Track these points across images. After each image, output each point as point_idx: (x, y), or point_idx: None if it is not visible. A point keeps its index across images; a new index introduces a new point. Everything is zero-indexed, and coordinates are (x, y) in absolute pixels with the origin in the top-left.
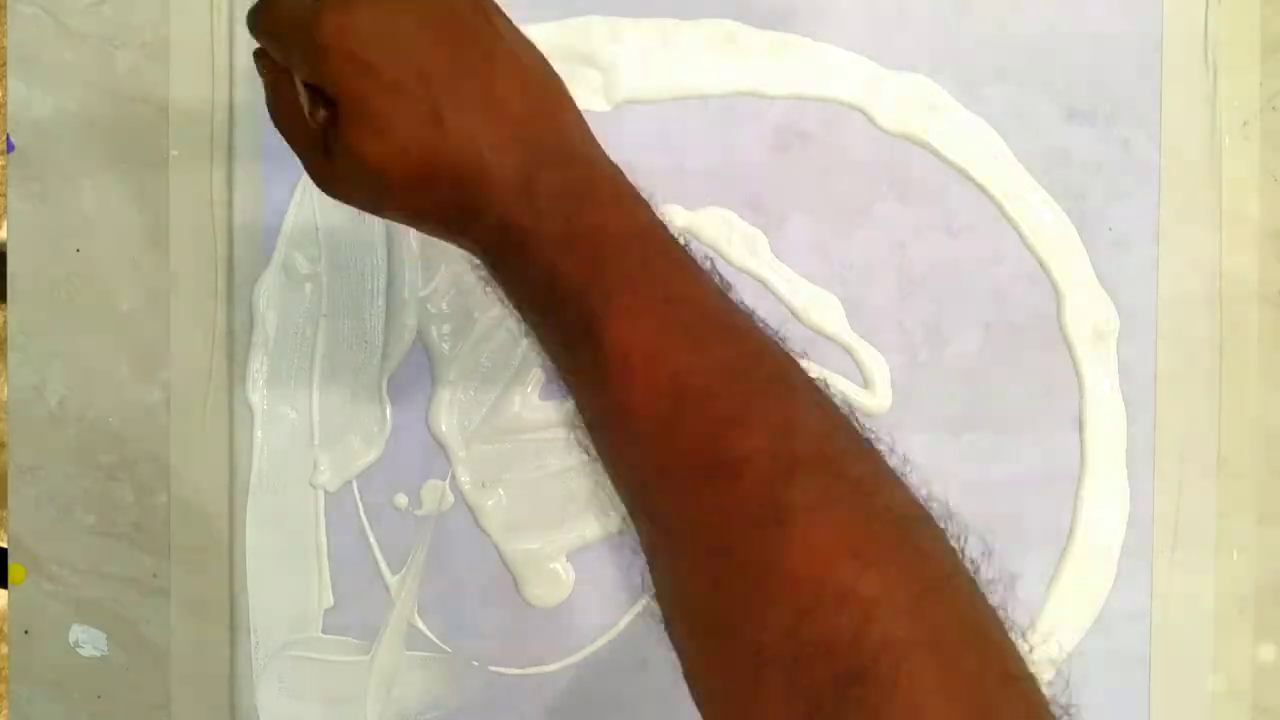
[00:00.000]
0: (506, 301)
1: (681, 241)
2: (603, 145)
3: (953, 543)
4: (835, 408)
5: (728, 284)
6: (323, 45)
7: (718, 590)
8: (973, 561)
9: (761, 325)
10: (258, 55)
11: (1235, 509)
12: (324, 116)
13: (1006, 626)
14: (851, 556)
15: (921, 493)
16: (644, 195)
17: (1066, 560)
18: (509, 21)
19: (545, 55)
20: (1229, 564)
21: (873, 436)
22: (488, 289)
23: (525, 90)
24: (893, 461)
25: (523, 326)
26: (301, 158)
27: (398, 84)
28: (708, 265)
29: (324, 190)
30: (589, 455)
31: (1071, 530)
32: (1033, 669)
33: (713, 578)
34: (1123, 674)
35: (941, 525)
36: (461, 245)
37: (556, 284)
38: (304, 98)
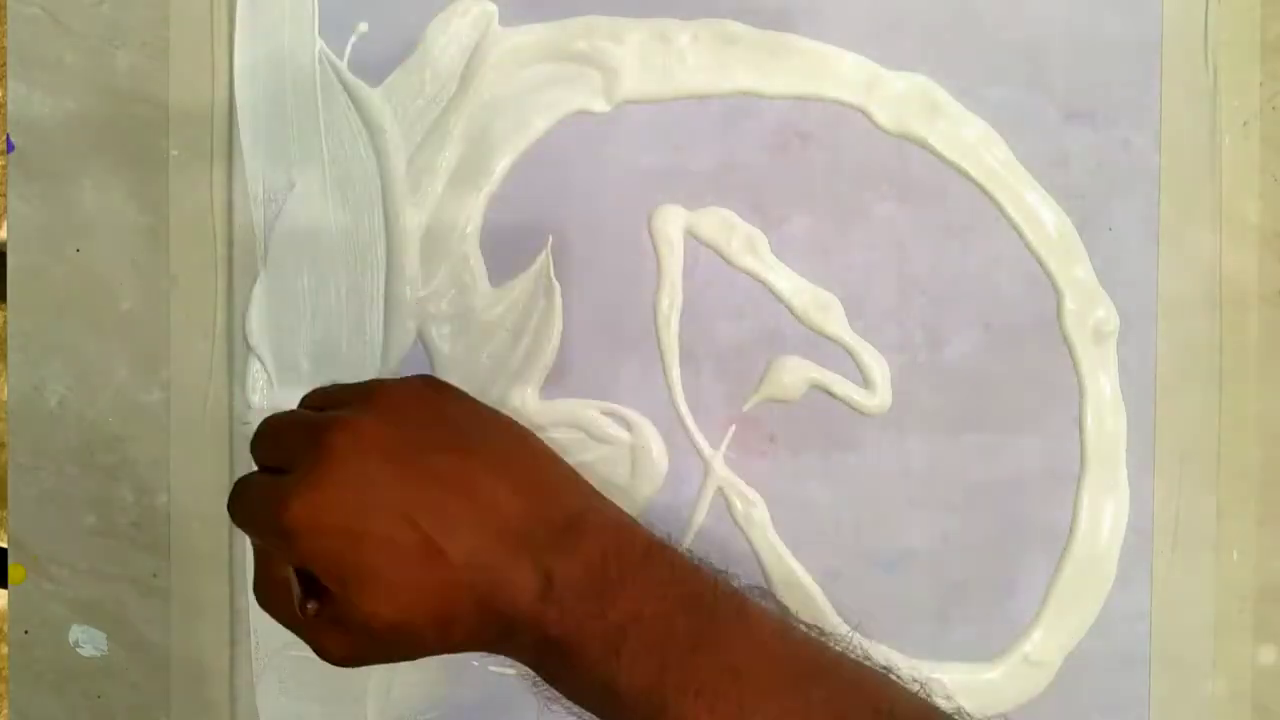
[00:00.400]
0: (567, 704)
1: (718, 576)
2: (603, 145)
3: None
4: (944, 716)
5: (783, 606)
6: (293, 529)
7: None
8: None
9: (835, 644)
10: (252, 541)
11: (1235, 509)
12: (316, 605)
13: None
14: None
15: None
16: (656, 536)
17: (1066, 560)
18: (469, 405)
19: (546, 55)
20: (1229, 564)
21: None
22: (544, 694)
23: (511, 484)
24: None
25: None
26: (306, 639)
27: (384, 539)
28: (755, 594)
29: (343, 665)
30: None
31: (1071, 530)
32: None
33: None
34: (1123, 674)
35: None
36: (510, 657)
37: (616, 693)
38: (295, 588)
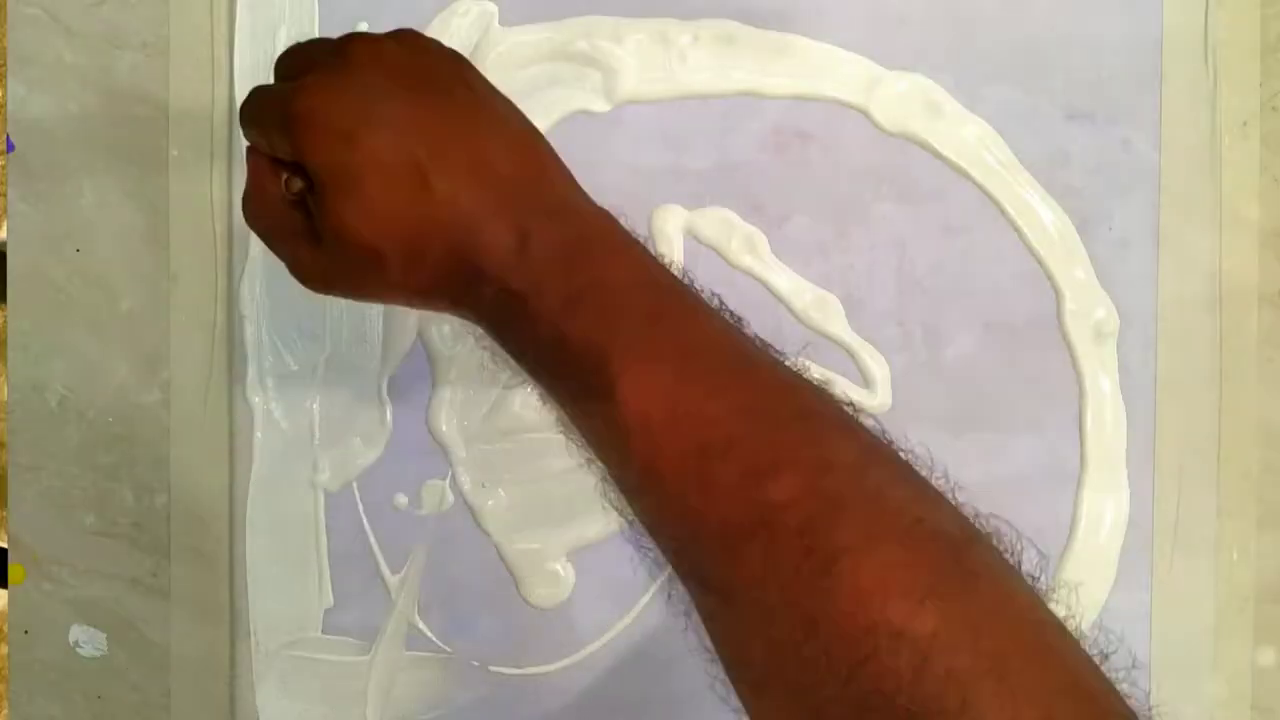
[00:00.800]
0: (517, 368)
1: (685, 279)
2: (603, 145)
3: (1007, 556)
4: (868, 433)
5: (739, 318)
6: (298, 117)
7: (772, 648)
8: (1031, 575)
9: (779, 358)
10: (248, 152)
11: (1235, 509)
12: (300, 186)
13: (1073, 633)
14: (903, 595)
15: (969, 508)
16: (638, 237)
17: (1066, 560)
18: (487, 82)
19: (546, 55)
20: (1229, 565)
21: (911, 456)
22: (495, 359)
23: (510, 150)
24: (936, 479)
25: (538, 391)
26: (282, 251)
27: (379, 153)
28: (715, 302)
29: (311, 285)
30: (625, 516)
31: (1071, 530)
32: (1104, 672)
33: (765, 636)
34: (1122, 675)
35: (993, 540)
36: (463, 316)
37: (565, 347)
38: (284, 174)
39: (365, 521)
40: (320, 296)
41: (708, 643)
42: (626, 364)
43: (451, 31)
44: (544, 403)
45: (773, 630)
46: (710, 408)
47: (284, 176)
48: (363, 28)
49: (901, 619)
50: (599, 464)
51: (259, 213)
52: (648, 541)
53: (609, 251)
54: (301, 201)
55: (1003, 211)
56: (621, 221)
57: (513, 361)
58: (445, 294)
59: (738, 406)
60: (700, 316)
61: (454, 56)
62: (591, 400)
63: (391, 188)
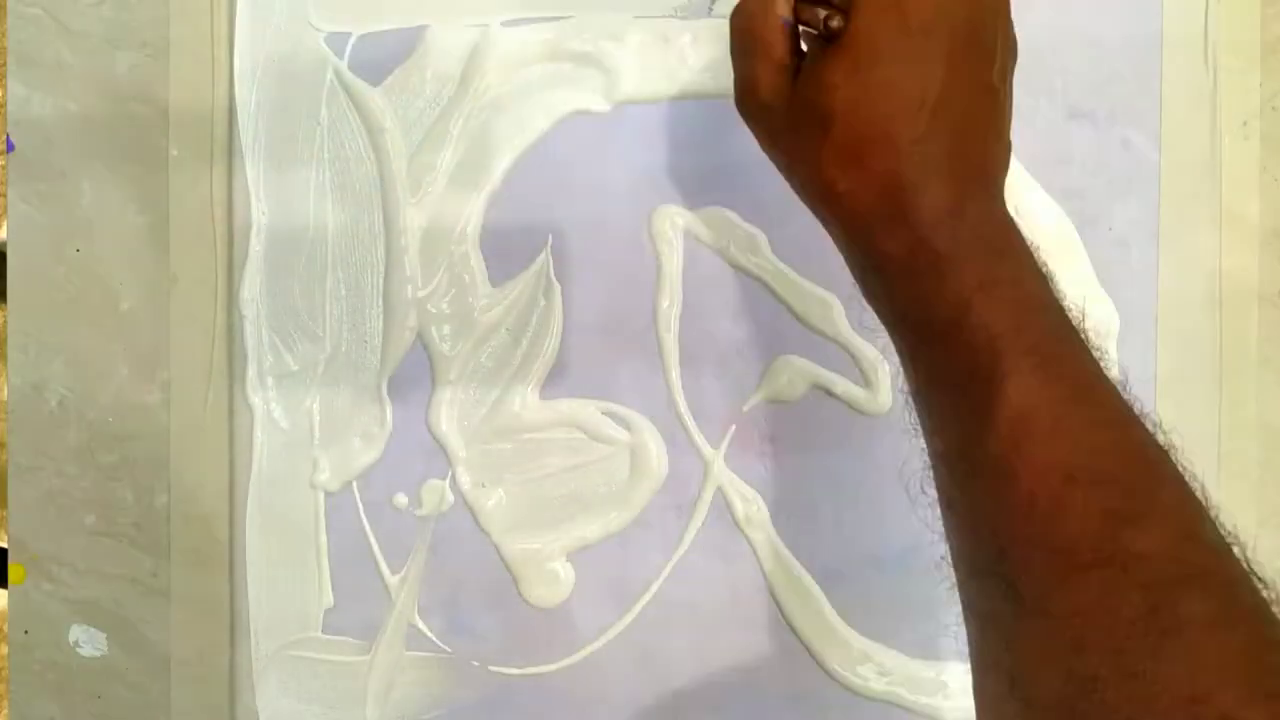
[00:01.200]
0: (885, 316)
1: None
2: (603, 145)
3: None
4: (1222, 524)
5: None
6: None
7: (1071, 677)
8: None
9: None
10: None
11: (1235, 509)
12: (838, 26)
13: None
14: (1240, 683)
15: None
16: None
17: None
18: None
19: (546, 55)
20: None
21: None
22: (863, 302)
23: (992, 139)
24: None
25: (896, 345)
26: (745, 63)
27: (912, 61)
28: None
29: (747, 108)
30: (924, 495)
31: None
32: None
33: (1067, 663)
34: None
35: None
36: (849, 246)
37: (964, 322)
38: (826, 13)
39: (365, 521)
40: (319, 291)
41: (977, 639)
42: (1025, 364)
43: (452, 31)
44: (901, 364)
45: (1078, 661)
46: (1093, 438)
47: (824, 13)
48: (361, 29)
49: (1232, 706)
50: (930, 438)
51: (752, 18)
52: (939, 525)
53: (1026, 261)
54: (796, 36)
55: None
56: None
57: (887, 309)
58: (853, 212)
59: (1120, 447)
60: (1092, 355)
61: (1014, 46)
62: (969, 380)
63: (892, 95)
